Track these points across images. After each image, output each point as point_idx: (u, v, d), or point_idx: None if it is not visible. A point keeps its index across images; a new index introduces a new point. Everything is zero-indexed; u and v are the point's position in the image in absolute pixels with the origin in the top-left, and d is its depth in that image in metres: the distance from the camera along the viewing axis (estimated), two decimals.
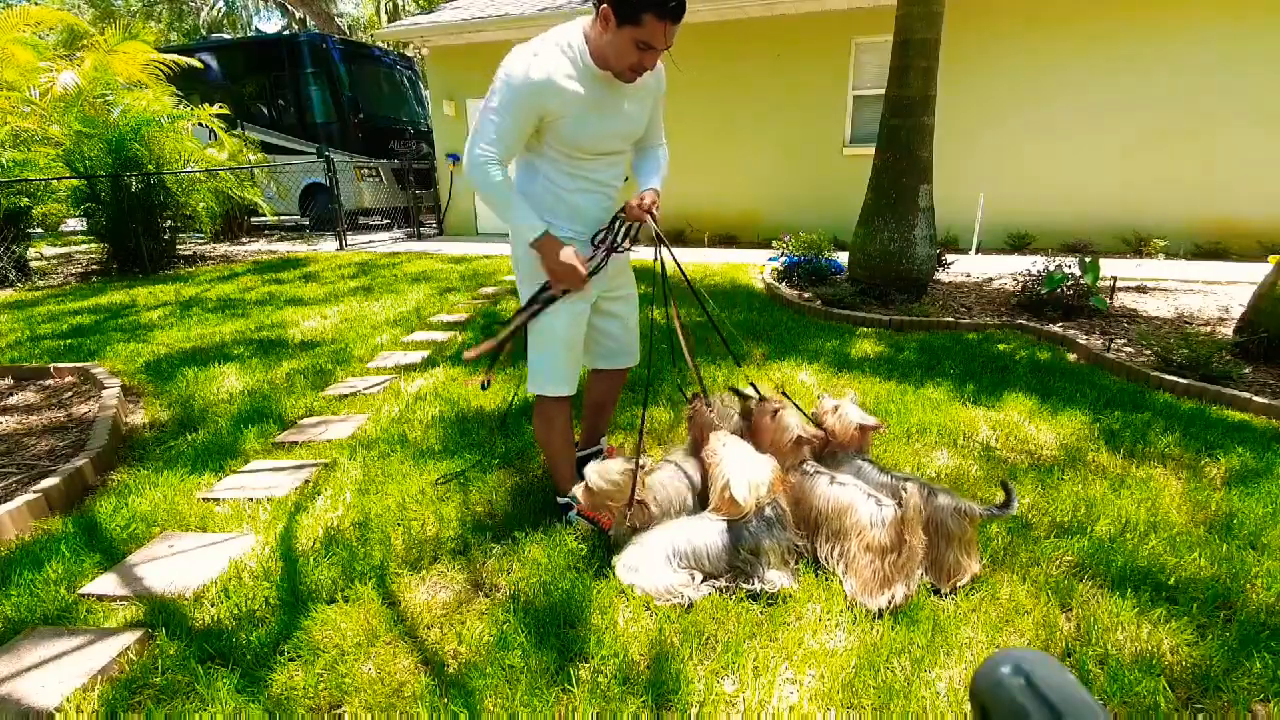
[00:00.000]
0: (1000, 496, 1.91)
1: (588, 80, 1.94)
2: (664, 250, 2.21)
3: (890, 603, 1.80)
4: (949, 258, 6.06)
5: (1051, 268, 4.97)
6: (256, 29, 25.70)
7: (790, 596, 1.86)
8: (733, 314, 4.95)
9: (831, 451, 2.21)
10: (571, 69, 1.91)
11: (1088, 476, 2.54)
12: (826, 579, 1.93)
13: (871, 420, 2.21)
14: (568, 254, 2.00)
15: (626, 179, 2.23)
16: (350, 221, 11.11)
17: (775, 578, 1.87)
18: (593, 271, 2.11)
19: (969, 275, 6.40)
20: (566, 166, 2.06)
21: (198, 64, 9.86)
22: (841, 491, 1.95)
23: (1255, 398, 3.19)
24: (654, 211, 2.10)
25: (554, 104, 1.91)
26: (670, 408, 3.25)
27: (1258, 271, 4.90)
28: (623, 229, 2.15)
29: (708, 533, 1.91)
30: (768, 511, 1.90)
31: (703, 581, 1.89)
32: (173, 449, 3.01)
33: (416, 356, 4.29)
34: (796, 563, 1.96)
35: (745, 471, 1.87)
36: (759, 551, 1.87)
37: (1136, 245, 7.89)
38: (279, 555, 2.13)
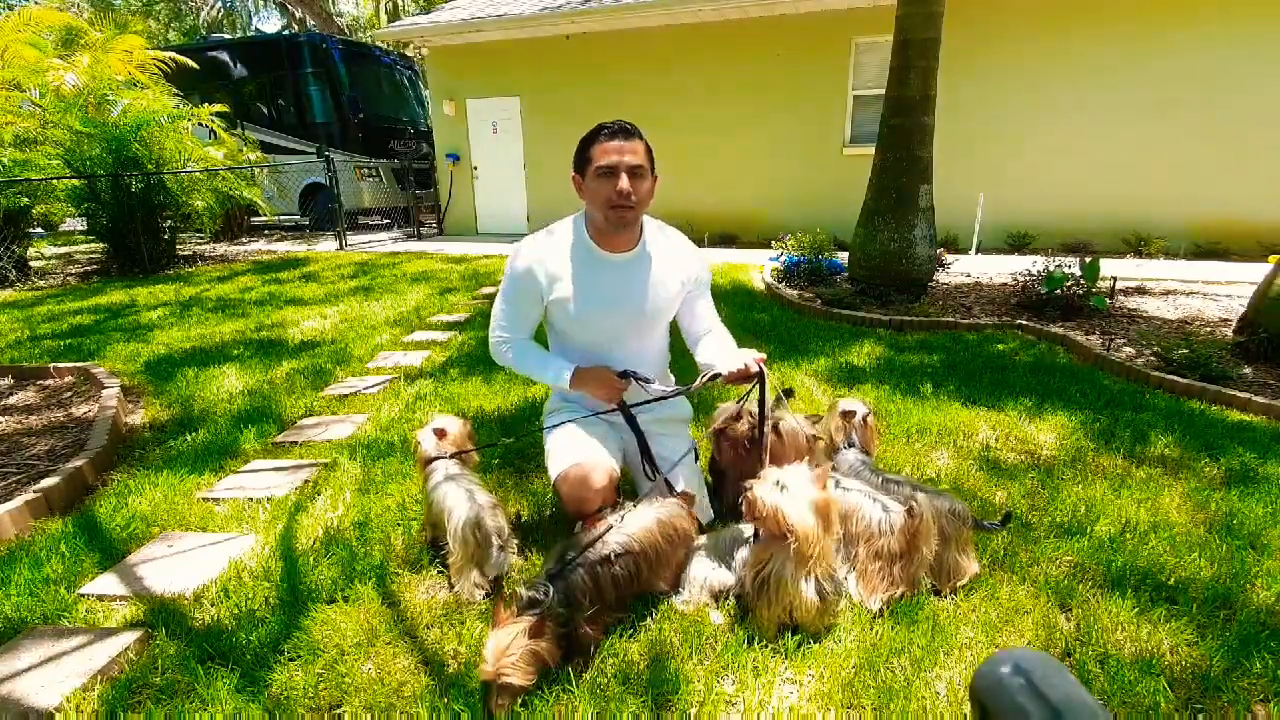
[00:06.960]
0: (999, 514, 1.91)
1: (582, 255, 2.00)
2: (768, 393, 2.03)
3: (889, 599, 1.80)
4: (949, 258, 6.06)
5: (1052, 268, 4.97)
6: (256, 29, 25.69)
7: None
8: (733, 314, 4.95)
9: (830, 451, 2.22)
10: (566, 247, 2.00)
11: (1088, 477, 2.54)
12: None
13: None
14: (599, 371, 1.98)
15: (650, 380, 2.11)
16: (350, 221, 11.11)
17: None
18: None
19: (969, 275, 6.40)
20: (568, 344, 2.10)
21: (193, 64, 9.83)
22: (846, 497, 1.94)
23: (1255, 398, 3.19)
24: (763, 367, 1.96)
25: (544, 284, 1.99)
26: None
27: (1258, 271, 4.90)
28: (709, 377, 1.99)
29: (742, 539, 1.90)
30: None
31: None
32: (172, 449, 3.01)
33: (416, 356, 4.29)
34: None
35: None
36: None
37: (1136, 245, 7.89)
38: (279, 555, 2.13)
